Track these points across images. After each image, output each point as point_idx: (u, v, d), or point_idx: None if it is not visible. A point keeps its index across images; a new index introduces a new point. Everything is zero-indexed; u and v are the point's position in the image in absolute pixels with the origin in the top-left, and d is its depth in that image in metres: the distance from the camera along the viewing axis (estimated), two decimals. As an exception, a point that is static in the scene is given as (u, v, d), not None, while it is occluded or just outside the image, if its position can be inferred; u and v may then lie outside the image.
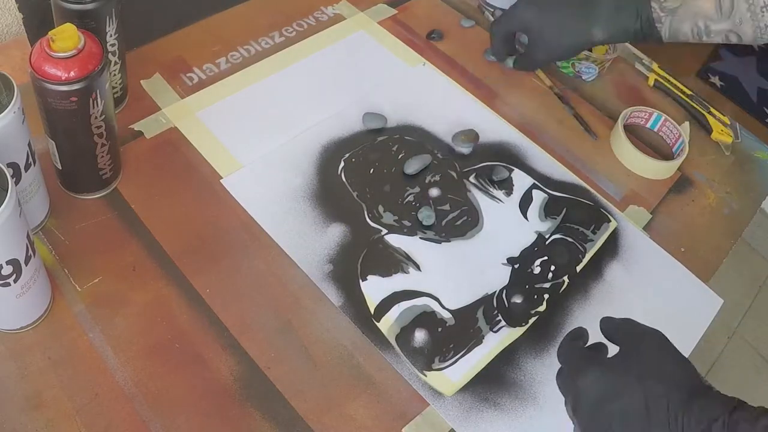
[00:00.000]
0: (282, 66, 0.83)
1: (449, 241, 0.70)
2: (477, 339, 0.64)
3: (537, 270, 0.69)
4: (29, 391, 0.55)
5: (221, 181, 0.71)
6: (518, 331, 0.65)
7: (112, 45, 0.67)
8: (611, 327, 0.55)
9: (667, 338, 0.52)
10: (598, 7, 0.75)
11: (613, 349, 0.54)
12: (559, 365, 0.55)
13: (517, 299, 0.67)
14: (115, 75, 0.70)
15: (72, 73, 0.56)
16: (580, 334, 0.56)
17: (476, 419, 0.59)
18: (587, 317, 0.67)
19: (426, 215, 0.71)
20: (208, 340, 0.60)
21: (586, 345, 0.55)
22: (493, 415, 0.60)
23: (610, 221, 0.74)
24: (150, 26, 0.84)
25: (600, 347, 0.55)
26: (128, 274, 0.63)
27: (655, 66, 0.94)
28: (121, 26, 0.68)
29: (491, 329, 0.64)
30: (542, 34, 0.78)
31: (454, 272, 0.68)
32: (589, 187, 0.77)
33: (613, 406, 0.49)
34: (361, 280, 0.66)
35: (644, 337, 0.53)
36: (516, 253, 0.70)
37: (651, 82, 0.92)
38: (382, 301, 0.65)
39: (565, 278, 0.69)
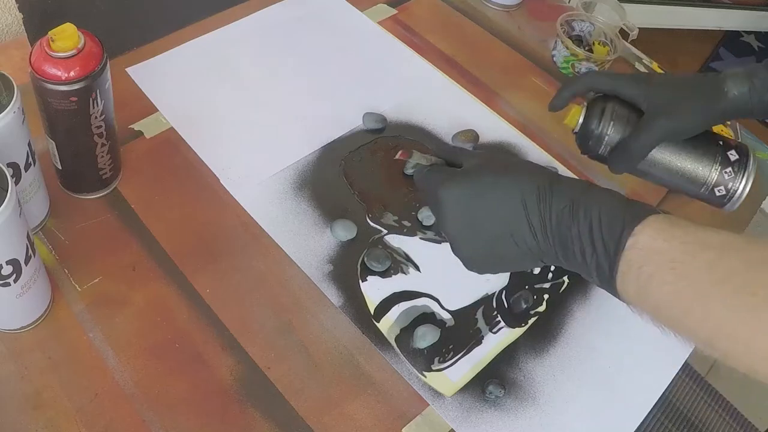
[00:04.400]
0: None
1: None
2: (476, 340, 0.64)
3: (537, 270, 0.69)
4: (29, 391, 0.55)
5: (221, 181, 0.71)
6: (518, 332, 0.65)
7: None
8: (444, 151, 0.59)
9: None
10: (724, 75, 0.61)
11: None
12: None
13: (517, 300, 0.67)
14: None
15: (72, 73, 0.56)
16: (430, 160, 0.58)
17: (476, 419, 0.59)
18: (587, 317, 0.67)
19: (426, 215, 0.71)
20: (208, 340, 0.60)
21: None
22: (493, 415, 0.60)
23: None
24: (150, 26, 0.84)
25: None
26: (128, 274, 0.63)
27: (655, 66, 0.94)
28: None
29: (490, 330, 0.64)
30: (657, 107, 0.61)
31: (453, 273, 0.68)
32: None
33: (483, 202, 0.51)
34: (360, 281, 0.66)
35: (486, 152, 0.56)
36: (516, 253, 0.70)
37: (651, 82, 0.92)
38: (382, 301, 0.65)
39: (565, 278, 0.69)
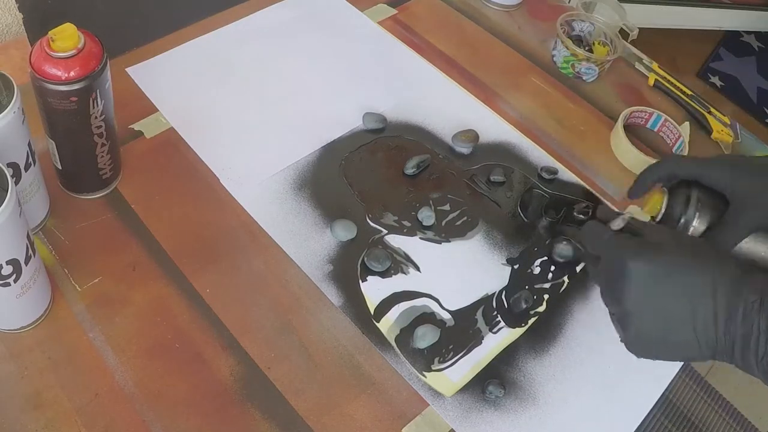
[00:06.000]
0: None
1: (449, 242, 0.70)
2: (476, 340, 0.64)
3: (537, 270, 0.69)
4: (29, 391, 0.55)
5: (221, 181, 0.71)
6: (518, 332, 0.65)
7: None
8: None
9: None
10: None
11: None
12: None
13: (517, 300, 0.67)
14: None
15: (72, 73, 0.56)
16: (605, 213, 0.57)
17: (476, 419, 0.59)
18: (587, 317, 0.67)
19: (426, 215, 0.71)
20: (208, 340, 0.60)
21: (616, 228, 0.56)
22: (493, 415, 0.60)
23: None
24: (150, 26, 0.84)
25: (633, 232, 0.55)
26: (128, 274, 0.63)
27: (655, 66, 0.94)
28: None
29: (490, 330, 0.64)
30: (745, 197, 0.59)
31: (453, 273, 0.68)
32: (589, 187, 0.77)
33: (673, 283, 0.49)
34: (360, 281, 0.66)
35: (667, 228, 0.55)
36: (516, 254, 0.70)
37: (651, 82, 0.92)
38: (381, 301, 0.65)
39: (565, 278, 0.69)
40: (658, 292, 0.49)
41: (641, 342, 0.52)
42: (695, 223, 0.60)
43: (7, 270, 0.51)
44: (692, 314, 0.48)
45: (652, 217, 0.63)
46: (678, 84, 0.93)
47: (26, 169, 0.58)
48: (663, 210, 0.62)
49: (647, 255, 0.50)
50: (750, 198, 0.58)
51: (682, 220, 0.61)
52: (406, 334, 0.63)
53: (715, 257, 0.50)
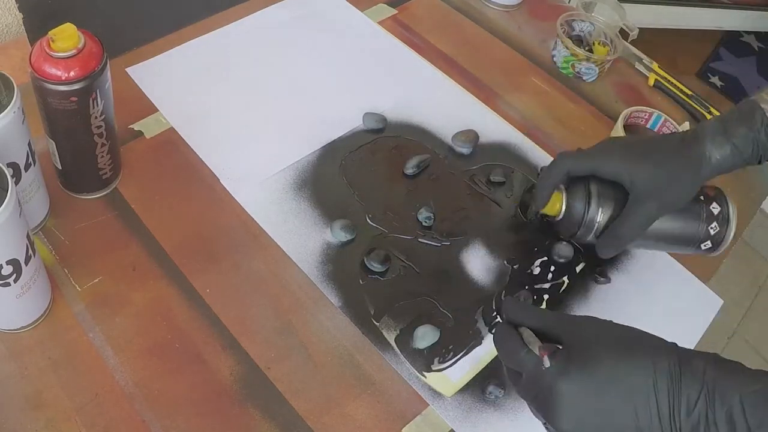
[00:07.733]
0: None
1: (449, 242, 0.70)
2: (476, 340, 0.64)
3: (537, 270, 0.69)
4: (29, 391, 0.55)
5: (221, 181, 0.71)
6: (518, 332, 0.65)
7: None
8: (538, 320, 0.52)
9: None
10: (703, 137, 0.59)
11: None
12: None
13: (517, 300, 0.66)
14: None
15: (72, 73, 0.56)
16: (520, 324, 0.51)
17: (476, 419, 0.59)
18: (587, 317, 0.67)
19: (425, 216, 0.71)
20: (208, 340, 0.60)
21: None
22: (493, 415, 0.60)
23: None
24: (150, 26, 0.84)
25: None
26: (128, 274, 0.63)
27: (655, 66, 0.94)
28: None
29: (490, 330, 0.64)
30: (643, 188, 0.59)
31: (453, 273, 0.68)
32: (589, 188, 0.77)
33: (608, 395, 0.45)
34: (360, 281, 0.66)
35: (586, 318, 0.50)
36: (516, 254, 0.70)
37: (651, 82, 0.92)
38: (381, 301, 0.64)
39: (565, 278, 0.69)
40: (593, 406, 0.45)
41: None
42: (599, 218, 0.61)
43: (7, 270, 0.51)
44: (635, 417, 0.45)
45: (554, 216, 0.63)
46: (678, 84, 0.93)
47: (26, 169, 0.58)
48: (563, 209, 0.63)
49: (574, 371, 0.46)
50: (648, 189, 0.59)
51: (587, 217, 0.61)
52: (405, 334, 0.63)
53: (646, 350, 0.46)
